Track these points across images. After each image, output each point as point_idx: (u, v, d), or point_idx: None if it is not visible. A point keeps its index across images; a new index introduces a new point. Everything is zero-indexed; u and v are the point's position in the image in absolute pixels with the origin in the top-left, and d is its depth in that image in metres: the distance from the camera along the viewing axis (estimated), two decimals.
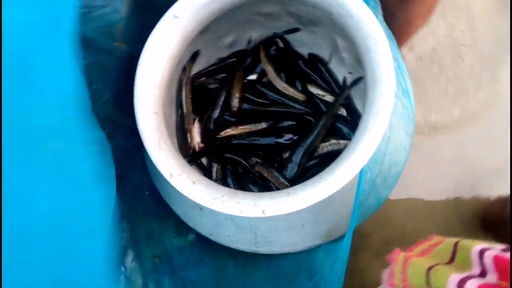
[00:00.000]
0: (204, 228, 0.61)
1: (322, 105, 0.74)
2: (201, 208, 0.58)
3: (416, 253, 0.53)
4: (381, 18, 0.66)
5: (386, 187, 0.58)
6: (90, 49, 0.45)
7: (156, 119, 0.51)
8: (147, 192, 0.62)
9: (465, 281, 0.41)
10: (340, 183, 0.47)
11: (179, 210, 0.61)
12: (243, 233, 0.58)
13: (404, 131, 0.59)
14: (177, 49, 0.56)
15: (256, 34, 0.76)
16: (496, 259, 0.41)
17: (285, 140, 0.71)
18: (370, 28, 0.51)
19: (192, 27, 0.56)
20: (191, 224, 0.62)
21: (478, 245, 0.45)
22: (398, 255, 0.49)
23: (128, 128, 0.54)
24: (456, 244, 0.47)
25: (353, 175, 0.46)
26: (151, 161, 0.50)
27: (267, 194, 0.49)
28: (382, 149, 0.54)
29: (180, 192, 0.56)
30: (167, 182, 0.53)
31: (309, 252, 0.57)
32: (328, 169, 0.49)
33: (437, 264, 0.46)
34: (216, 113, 0.72)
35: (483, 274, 0.42)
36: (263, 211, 0.47)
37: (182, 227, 0.67)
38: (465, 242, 0.47)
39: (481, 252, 0.44)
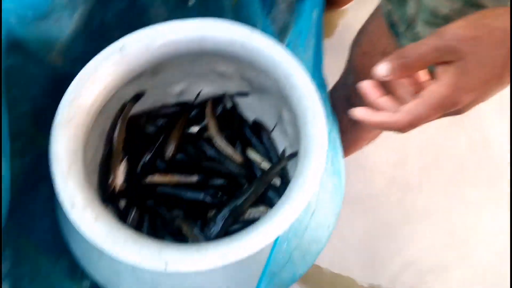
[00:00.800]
0: (101, 275, 0.54)
1: (257, 172, 0.73)
2: (100, 254, 0.52)
3: None
4: (328, 104, 0.70)
5: (304, 263, 0.55)
6: (18, 51, 0.42)
7: (75, 144, 0.47)
8: (46, 223, 0.55)
9: None
10: (255, 247, 0.44)
11: (77, 250, 0.55)
12: (142, 287, 0.52)
13: (331, 209, 0.58)
14: (118, 81, 0.54)
15: (207, 89, 0.77)
16: None
17: (213, 198, 0.69)
18: (311, 103, 0.53)
19: (138, 63, 0.55)
20: (88, 268, 0.55)
21: None
22: None
23: (42, 150, 0.49)
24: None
25: (269, 240, 0.44)
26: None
27: (175, 245, 0.45)
28: (305, 223, 0.53)
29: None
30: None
31: None
32: (245, 231, 0.46)
33: None
34: (147, 157, 0.69)
35: None
36: (166, 263, 0.43)
37: (78, 271, 0.60)
38: None
39: None
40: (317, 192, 0.55)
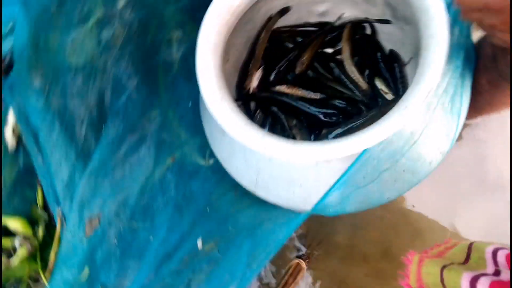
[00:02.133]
0: (220, 152, 0.66)
1: (380, 101, 0.74)
2: (223, 133, 0.64)
3: (431, 255, 0.54)
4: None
5: (393, 189, 0.57)
6: None
7: (216, 38, 0.57)
8: (190, 105, 0.69)
9: (478, 278, 0.42)
10: (342, 151, 0.49)
11: (206, 127, 0.68)
12: (248, 169, 0.62)
13: (436, 147, 0.57)
14: None
15: (349, 12, 0.78)
16: (509, 258, 0.42)
17: (330, 117, 0.74)
18: (438, 31, 0.51)
19: None
20: (213, 147, 0.68)
21: (491, 246, 0.46)
22: (413, 257, 0.51)
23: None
24: (470, 246, 0.48)
25: (358, 149, 0.48)
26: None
27: (277, 137, 0.53)
28: (402, 149, 0.54)
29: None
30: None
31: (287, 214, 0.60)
32: (341, 138, 0.51)
33: (451, 264, 0.47)
34: (280, 68, 0.77)
35: (497, 273, 0.43)
36: (265, 147, 0.51)
37: (207, 151, 0.74)
38: (479, 243, 0.48)
39: (494, 252, 0.45)
40: (424, 123, 0.55)
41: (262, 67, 0.79)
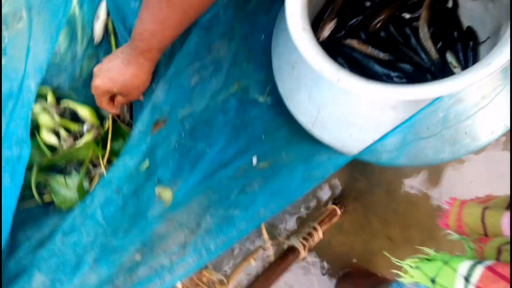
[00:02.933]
0: (284, 87, 0.69)
1: (448, 73, 0.74)
2: (293, 67, 0.66)
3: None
4: None
5: (450, 150, 0.59)
6: None
7: None
8: (262, 37, 0.72)
9: None
10: (409, 96, 0.50)
11: (275, 61, 0.70)
12: (309, 105, 0.65)
13: (502, 117, 0.58)
14: None
15: None
16: None
17: (395, 79, 0.75)
18: None
19: None
20: (277, 81, 0.71)
21: None
22: (455, 201, 0.52)
23: None
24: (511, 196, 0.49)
25: (440, 93, 0.49)
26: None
27: (352, 73, 0.55)
28: (469, 108, 0.55)
29: (287, 43, 0.65)
30: (282, 32, 0.62)
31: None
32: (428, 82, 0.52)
33: (494, 206, 0.48)
34: (354, 23, 0.78)
35: None
36: (338, 79, 0.54)
37: (268, 88, 0.77)
38: None
39: None
40: (496, 90, 0.55)
41: (335, 19, 0.80)
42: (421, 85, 0.51)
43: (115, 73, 0.63)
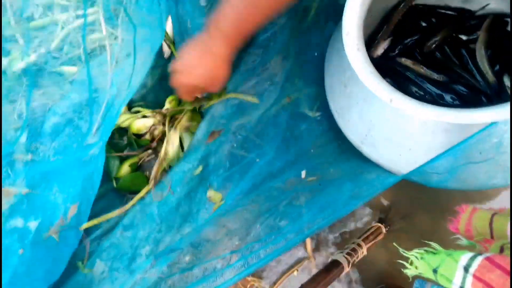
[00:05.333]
0: (336, 104, 0.71)
1: (504, 98, 0.73)
2: (345, 85, 0.68)
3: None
4: None
5: (503, 176, 0.58)
6: None
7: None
8: (315, 54, 0.74)
9: None
10: (463, 119, 0.50)
11: (328, 79, 0.72)
12: (360, 124, 0.66)
13: None
14: None
15: (494, 5, 0.77)
16: None
17: (448, 99, 0.74)
18: None
19: None
20: (329, 98, 0.73)
21: None
22: (467, 208, 0.53)
23: None
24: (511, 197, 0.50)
25: (495, 118, 0.49)
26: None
27: (403, 94, 0.56)
28: None
29: (340, 62, 0.67)
30: (336, 51, 0.64)
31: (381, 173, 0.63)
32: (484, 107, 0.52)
33: (503, 213, 0.49)
34: (409, 42, 0.78)
35: None
36: (391, 100, 0.55)
37: (317, 103, 0.79)
38: None
39: None
40: None
41: (390, 38, 0.81)
42: (477, 109, 0.51)
43: (200, 68, 0.63)
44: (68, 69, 0.66)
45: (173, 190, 0.64)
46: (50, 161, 0.58)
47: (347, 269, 0.67)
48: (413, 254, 0.51)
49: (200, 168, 0.66)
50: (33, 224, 0.58)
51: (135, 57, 0.58)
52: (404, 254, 0.52)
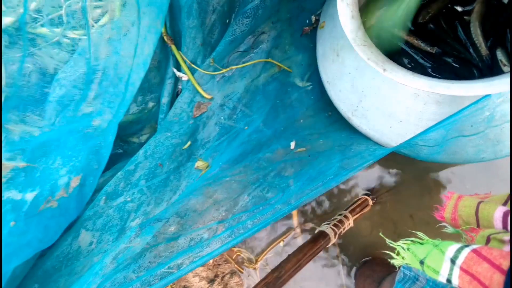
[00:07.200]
0: (327, 73, 0.69)
1: (497, 71, 0.72)
2: (337, 54, 0.66)
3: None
4: None
5: (492, 150, 0.58)
6: None
7: None
8: (307, 22, 0.71)
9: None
10: (454, 91, 0.50)
11: (320, 47, 0.70)
12: (351, 94, 0.65)
13: None
14: None
15: None
16: None
17: (439, 73, 0.73)
18: None
19: None
20: (321, 68, 0.71)
21: None
22: (453, 194, 0.53)
23: None
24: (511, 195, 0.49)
25: (489, 90, 0.48)
26: None
27: (396, 64, 0.54)
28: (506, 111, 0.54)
29: (334, 29, 0.64)
30: (329, 18, 0.62)
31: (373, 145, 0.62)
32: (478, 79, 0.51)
33: (489, 201, 0.48)
34: None
35: None
36: (384, 69, 0.53)
37: (308, 73, 0.77)
38: None
39: None
40: None
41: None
42: (470, 81, 0.50)
43: None
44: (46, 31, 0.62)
45: (161, 163, 0.63)
46: (45, 132, 0.56)
47: (333, 240, 0.67)
48: (400, 244, 0.50)
49: (189, 143, 0.64)
50: (29, 196, 0.56)
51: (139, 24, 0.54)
52: (391, 244, 0.51)
